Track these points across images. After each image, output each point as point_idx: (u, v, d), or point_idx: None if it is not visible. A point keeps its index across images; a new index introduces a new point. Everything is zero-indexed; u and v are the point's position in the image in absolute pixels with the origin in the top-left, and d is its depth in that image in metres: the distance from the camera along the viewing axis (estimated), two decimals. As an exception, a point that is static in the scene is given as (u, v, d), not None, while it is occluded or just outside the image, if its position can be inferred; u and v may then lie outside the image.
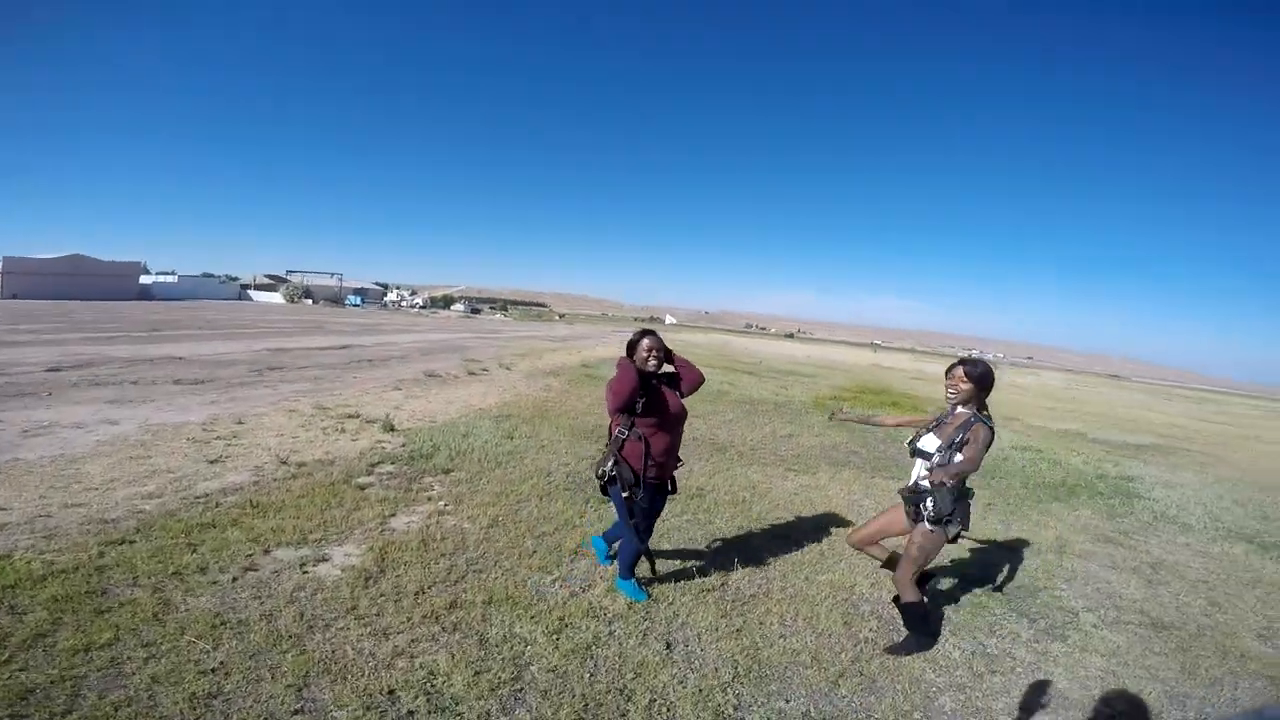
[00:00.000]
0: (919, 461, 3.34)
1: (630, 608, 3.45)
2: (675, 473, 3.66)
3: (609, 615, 3.37)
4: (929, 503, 3.17)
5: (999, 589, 4.24)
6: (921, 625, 3.38)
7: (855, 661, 3.17)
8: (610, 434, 3.49)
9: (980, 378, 3.23)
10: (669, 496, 3.71)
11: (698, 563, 4.16)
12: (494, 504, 4.85)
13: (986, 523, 5.75)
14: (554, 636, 3.10)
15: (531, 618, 3.25)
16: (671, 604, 3.55)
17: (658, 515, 3.72)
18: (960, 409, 3.27)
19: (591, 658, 2.98)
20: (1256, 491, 8.89)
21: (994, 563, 4.72)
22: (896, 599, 3.48)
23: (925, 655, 3.30)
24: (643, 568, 3.77)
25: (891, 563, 3.63)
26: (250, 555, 3.61)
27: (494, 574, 3.70)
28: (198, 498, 4.44)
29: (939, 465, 3.14)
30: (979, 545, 5.05)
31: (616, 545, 3.86)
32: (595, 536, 4.12)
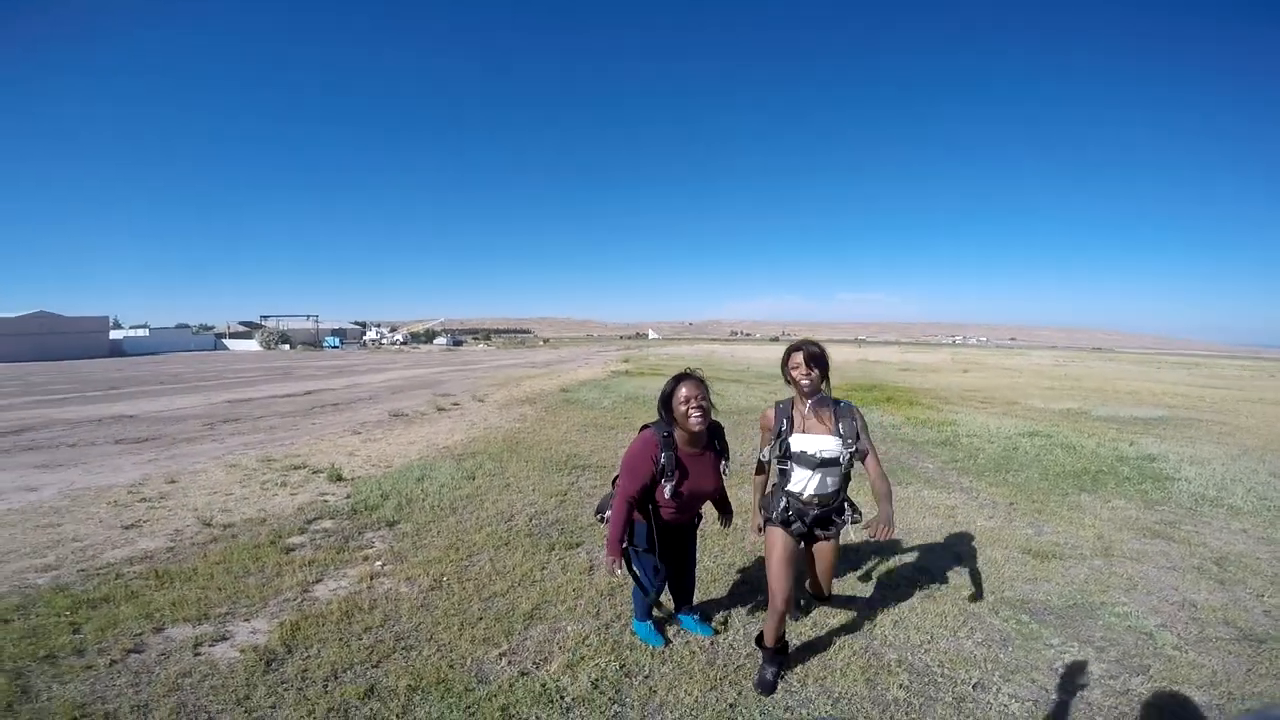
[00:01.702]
0: (809, 471, 2.75)
1: (595, 687, 2.71)
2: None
3: (566, 699, 2.63)
4: (846, 508, 2.88)
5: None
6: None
7: (889, 738, 2.43)
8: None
9: (823, 357, 2.79)
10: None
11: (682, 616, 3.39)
12: (439, 560, 4.08)
13: (1014, 527, 5.04)
14: (491, 734, 2.38)
15: (466, 707, 2.56)
16: (648, 677, 2.81)
17: (685, 558, 3.18)
18: (817, 395, 2.79)
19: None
20: (1287, 460, 8.26)
21: (1034, 577, 4.00)
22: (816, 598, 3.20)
23: (973, 715, 2.56)
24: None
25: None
26: (139, 634, 3.12)
27: (426, 650, 3.00)
28: (99, 569, 3.96)
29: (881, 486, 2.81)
30: (1012, 559, 4.33)
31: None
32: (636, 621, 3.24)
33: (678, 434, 2.81)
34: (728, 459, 2.99)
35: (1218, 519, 5.39)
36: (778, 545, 2.80)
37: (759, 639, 2.91)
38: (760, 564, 4.09)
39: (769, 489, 2.96)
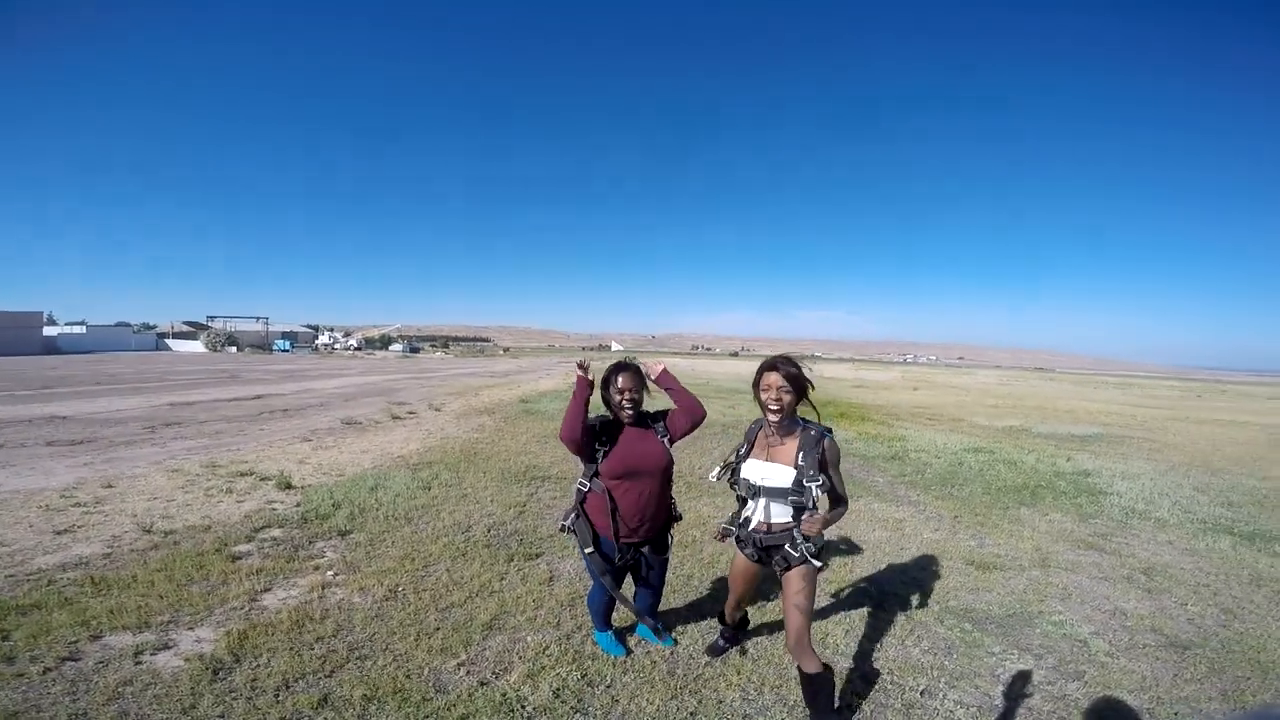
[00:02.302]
0: (761, 501, 2.58)
1: (557, 696, 2.70)
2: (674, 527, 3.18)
3: (528, 709, 2.62)
4: (799, 539, 2.49)
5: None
6: (829, 703, 2.47)
7: (842, 744, 2.50)
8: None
9: (800, 379, 2.56)
10: (663, 554, 3.08)
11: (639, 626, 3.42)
12: (395, 570, 4.02)
13: (959, 540, 5.24)
14: (450, 745, 2.36)
15: (424, 717, 2.52)
16: (610, 686, 2.82)
17: (652, 574, 3.06)
18: (786, 421, 2.57)
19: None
20: (1209, 475, 8.78)
21: (976, 587, 4.17)
22: (808, 674, 2.45)
23: (924, 722, 2.66)
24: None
25: (742, 624, 3.28)
26: (74, 642, 2.98)
27: (381, 660, 2.94)
28: (29, 575, 3.78)
29: (810, 511, 2.47)
30: (956, 570, 4.50)
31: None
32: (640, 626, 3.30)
33: None
34: (670, 439, 2.92)
35: (1146, 531, 5.70)
36: (736, 560, 2.81)
37: (721, 614, 3.19)
38: (718, 577, 4.16)
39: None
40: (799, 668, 2.46)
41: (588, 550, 2.87)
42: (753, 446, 2.69)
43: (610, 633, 3.15)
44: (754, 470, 2.60)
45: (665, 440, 2.92)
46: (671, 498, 3.05)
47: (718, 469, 2.79)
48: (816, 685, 2.42)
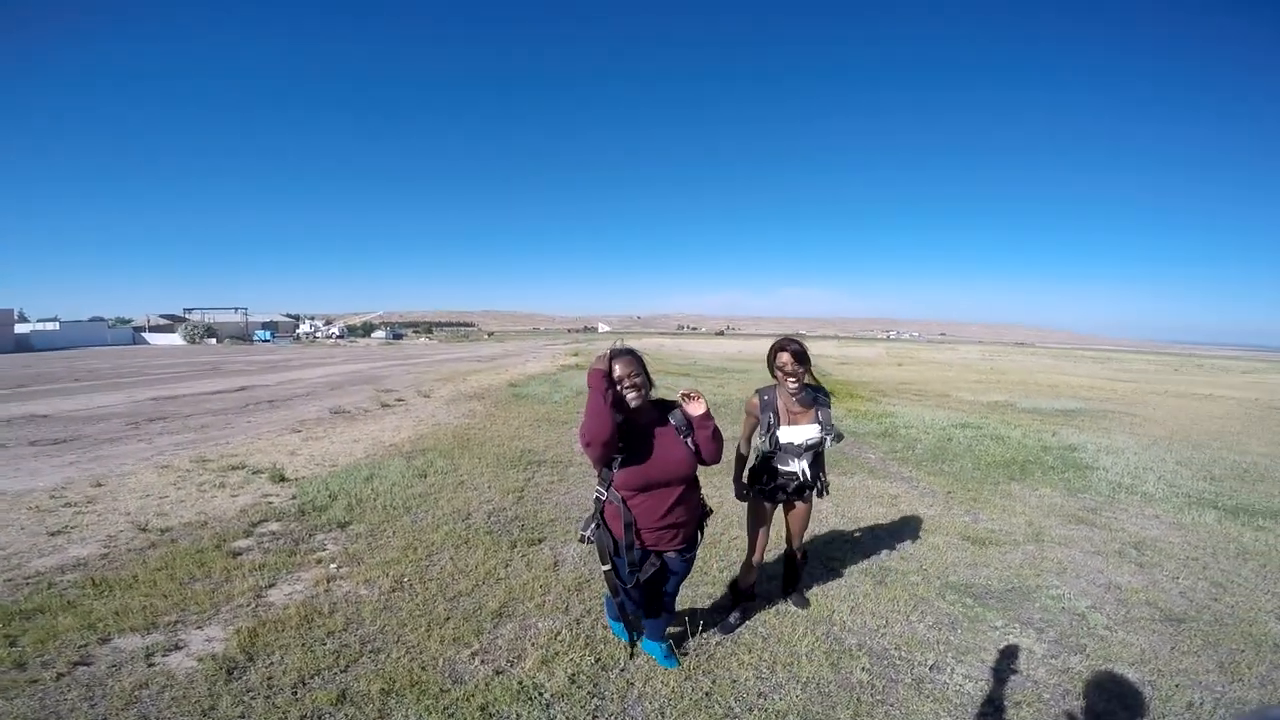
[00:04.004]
0: (795, 457, 3.17)
1: (573, 682, 2.72)
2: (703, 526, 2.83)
3: (545, 695, 2.63)
4: (820, 480, 3.30)
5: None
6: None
7: (855, 718, 2.55)
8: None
9: (805, 355, 3.08)
10: (690, 554, 2.77)
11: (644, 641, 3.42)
12: (399, 561, 4.00)
13: (953, 515, 5.33)
14: (473, 734, 2.38)
15: (444, 709, 2.52)
16: (624, 670, 2.85)
17: (672, 583, 2.82)
18: (802, 390, 3.14)
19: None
20: (1190, 449, 8.98)
21: (974, 563, 4.24)
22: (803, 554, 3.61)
23: (933, 695, 2.71)
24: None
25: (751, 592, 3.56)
26: (84, 646, 2.94)
27: (395, 653, 2.93)
28: (27, 578, 3.71)
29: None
30: (953, 545, 4.57)
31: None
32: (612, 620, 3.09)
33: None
34: (695, 438, 2.62)
35: (1133, 505, 5.83)
36: (759, 513, 3.29)
37: (733, 584, 3.51)
38: (726, 558, 4.19)
39: (753, 464, 3.32)
40: (798, 552, 3.51)
41: (605, 567, 2.62)
42: (779, 416, 3.13)
43: (623, 624, 2.94)
44: (790, 434, 3.10)
45: (688, 441, 2.62)
46: (701, 496, 2.80)
47: (757, 438, 3.23)
48: (805, 562, 3.60)
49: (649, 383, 2.61)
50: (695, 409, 2.57)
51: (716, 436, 2.62)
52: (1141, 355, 70.51)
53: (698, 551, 2.88)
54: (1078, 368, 34.18)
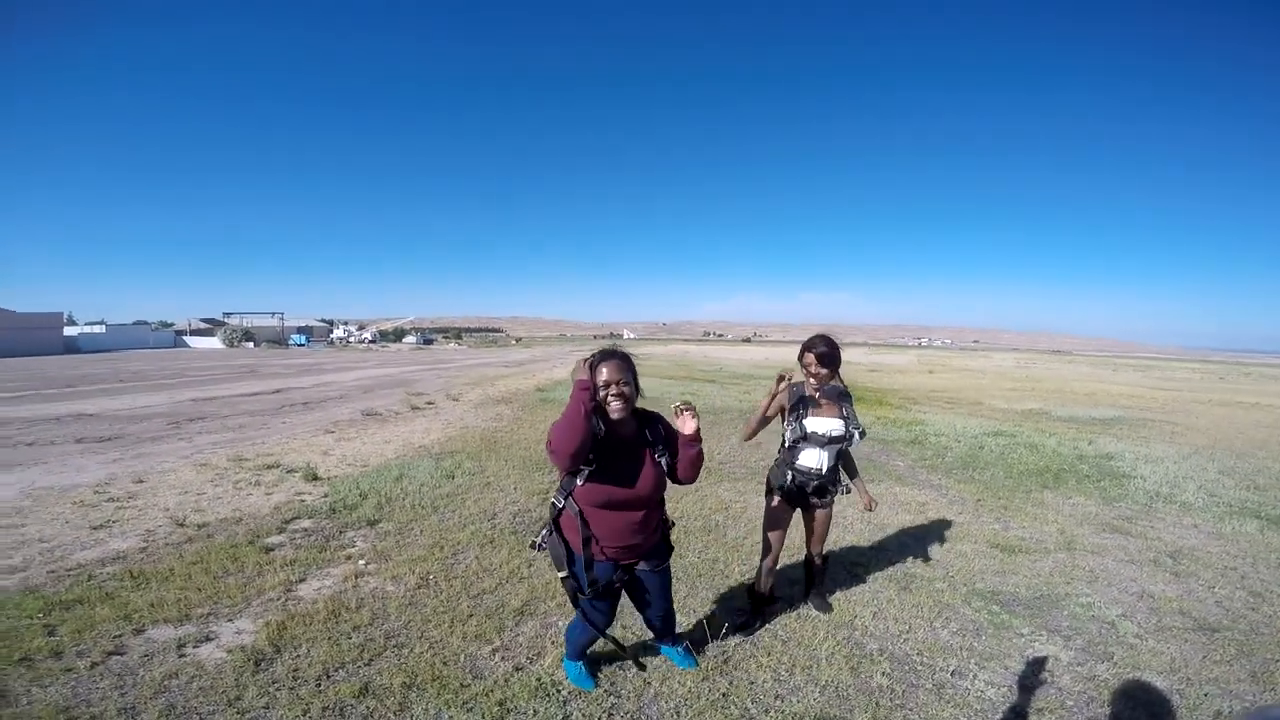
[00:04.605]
0: (818, 449, 3.18)
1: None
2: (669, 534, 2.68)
3: (563, 694, 2.67)
4: (841, 479, 3.36)
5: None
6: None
7: (874, 723, 2.54)
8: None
9: (831, 355, 3.13)
10: (662, 564, 2.63)
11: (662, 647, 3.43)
12: (425, 558, 4.09)
13: (982, 523, 5.24)
14: (492, 729, 2.42)
15: (464, 703, 2.57)
16: (642, 670, 2.86)
17: (652, 593, 2.65)
18: (824, 387, 3.22)
19: (540, 756, 2.28)
20: (1233, 459, 8.67)
21: (1002, 570, 4.18)
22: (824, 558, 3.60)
23: (953, 701, 2.69)
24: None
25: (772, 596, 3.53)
26: (118, 636, 3.05)
27: (418, 648, 3.00)
28: (69, 570, 3.86)
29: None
30: (981, 553, 4.51)
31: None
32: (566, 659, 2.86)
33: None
34: (673, 455, 2.45)
35: (1171, 515, 5.67)
36: (778, 514, 3.29)
37: (750, 589, 3.51)
38: (744, 560, 4.19)
39: (775, 462, 3.36)
40: (818, 557, 3.52)
41: (561, 574, 2.45)
42: (807, 407, 3.19)
43: (582, 663, 2.77)
44: (817, 424, 3.15)
45: (663, 462, 2.44)
46: (664, 513, 2.64)
47: (793, 426, 3.20)
48: (825, 567, 3.60)
49: (637, 391, 2.41)
50: (686, 426, 2.38)
51: (699, 459, 2.45)
52: (1185, 363, 68.22)
53: (671, 564, 2.75)
54: (1117, 376, 33.20)
